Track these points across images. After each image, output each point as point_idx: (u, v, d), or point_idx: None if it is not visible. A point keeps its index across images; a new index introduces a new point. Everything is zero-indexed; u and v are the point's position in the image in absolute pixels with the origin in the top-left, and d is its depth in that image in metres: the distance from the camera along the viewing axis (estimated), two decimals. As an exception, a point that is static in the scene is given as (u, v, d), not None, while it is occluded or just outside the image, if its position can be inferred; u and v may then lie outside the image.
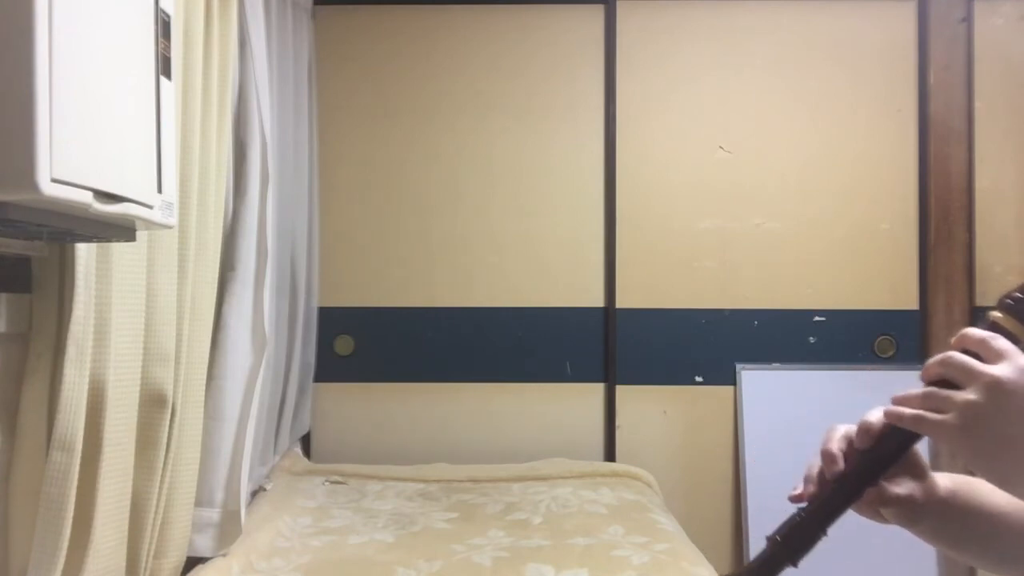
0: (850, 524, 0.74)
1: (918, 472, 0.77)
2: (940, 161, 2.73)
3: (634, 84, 2.77)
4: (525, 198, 2.77)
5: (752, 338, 2.75)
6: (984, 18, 2.73)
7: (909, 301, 2.75)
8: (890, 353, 2.74)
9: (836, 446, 0.73)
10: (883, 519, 0.76)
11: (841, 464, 0.72)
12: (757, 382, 2.73)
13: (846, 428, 0.75)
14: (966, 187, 2.72)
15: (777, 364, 2.74)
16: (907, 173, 2.76)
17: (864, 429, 0.72)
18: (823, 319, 2.75)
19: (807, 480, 0.74)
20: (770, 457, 2.66)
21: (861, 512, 0.74)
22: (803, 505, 0.72)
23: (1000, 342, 0.66)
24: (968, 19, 2.72)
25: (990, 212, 2.72)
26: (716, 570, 1.77)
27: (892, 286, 2.75)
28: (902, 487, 0.75)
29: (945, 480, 0.78)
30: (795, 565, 0.71)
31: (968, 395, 0.64)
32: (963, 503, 0.77)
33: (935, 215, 2.73)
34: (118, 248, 1.22)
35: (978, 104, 2.72)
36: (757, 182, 2.76)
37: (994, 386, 0.64)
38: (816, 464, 0.75)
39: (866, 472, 0.72)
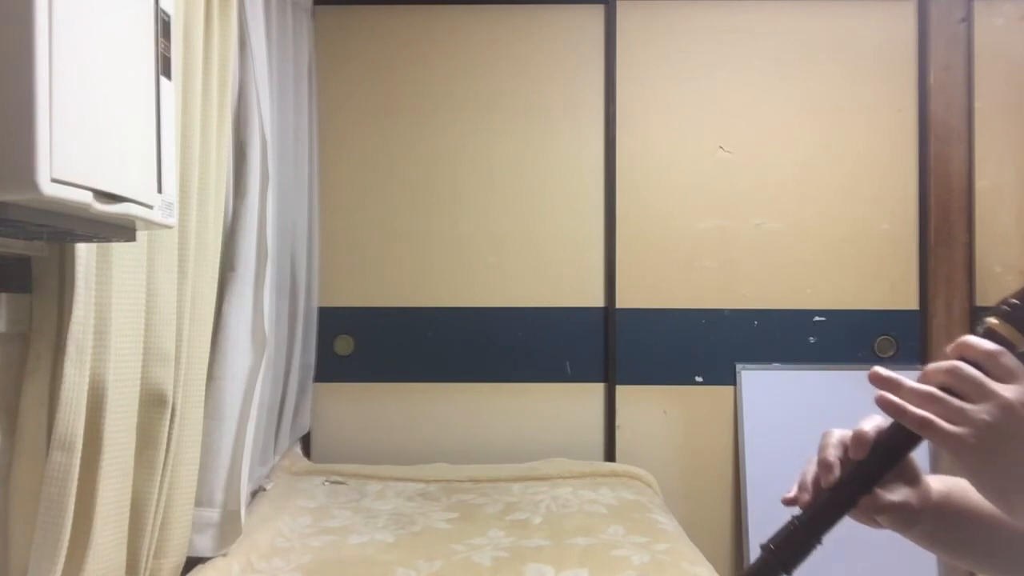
0: (850, 527, 0.74)
1: (911, 477, 0.76)
2: (940, 161, 2.73)
3: (634, 84, 2.77)
4: (525, 198, 2.77)
5: (752, 338, 2.75)
6: (984, 18, 2.73)
7: (909, 301, 2.75)
8: (890, 353, 2.74)
9: (832, 454, 0.72)
10: (877, 524, 0.75)
11: (837, 473, 0.71)
12: (757, 382, 2.73)
13: (841, 433, 0.74)
14: (966, 187, 2.72)
15: (777, 364, 2.74)
16: (907, 173, 2.76)
17: (858, 438, 0.71)
18: (823, 319, 2.75)
19: (802, 486, 0.73)
20: (770, 457, 2.66)
21: (855, 518, 0.73)
22: (798, 513, 0.72)
23: (1009, 359, 0.64)
24: (968, 19, 2.72)
25: (990, 212, 2.72)
26: (716, 570, 1.77)
27: (892, 286, 2.75)
28: (896, 494, 0.74)
29: (938, 483, 0.78)
30: (789, 574, 0.70)
31: (983, 414, 0.63)
32: (956, 506, 0.77)
33: (935, 215, 2.73)
34: (118, 248, 1.22)
35: (978, 104, 2.72)
36: (757, 182, 2.76)
37: (1008, 409, 0.63)
38: (811, 470, 0.73)
39: (861, 481, 0.71)
